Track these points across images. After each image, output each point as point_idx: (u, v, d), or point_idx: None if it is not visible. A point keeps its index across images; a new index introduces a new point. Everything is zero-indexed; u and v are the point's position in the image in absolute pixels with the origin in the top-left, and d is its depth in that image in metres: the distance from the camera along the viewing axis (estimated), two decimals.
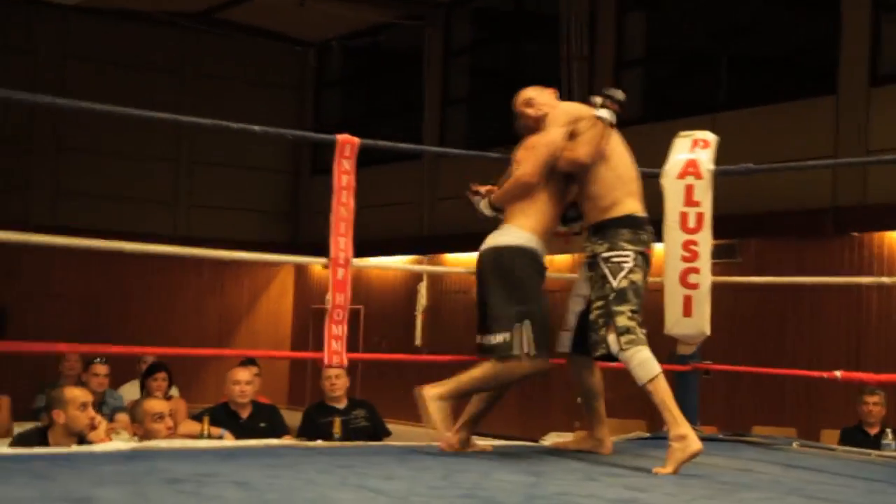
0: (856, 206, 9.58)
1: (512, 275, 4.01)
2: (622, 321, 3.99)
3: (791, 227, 10.10)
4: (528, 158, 4.08)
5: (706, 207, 5.05)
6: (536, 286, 4.10)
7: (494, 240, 4.07)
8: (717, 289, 5.17)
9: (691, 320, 5.07)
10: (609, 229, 4.08)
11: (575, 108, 4.23)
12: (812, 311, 10.00)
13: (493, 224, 4.26)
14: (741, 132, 10.01)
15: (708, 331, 5.12)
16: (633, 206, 4.14)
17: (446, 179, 13.83)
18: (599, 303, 4.05)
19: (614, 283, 4.02)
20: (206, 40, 15.33)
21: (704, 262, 5.05)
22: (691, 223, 5.01)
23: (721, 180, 5.17)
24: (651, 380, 3.93)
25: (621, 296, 4.02)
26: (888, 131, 9.26)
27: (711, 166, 5.08)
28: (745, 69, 11.24)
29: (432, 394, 4.05)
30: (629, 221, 4.09)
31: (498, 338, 4.01)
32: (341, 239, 4.42)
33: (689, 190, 5.04)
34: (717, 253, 5.52)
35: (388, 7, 14.23)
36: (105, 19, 14.46)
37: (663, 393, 3.91)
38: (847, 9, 9.89)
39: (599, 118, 4.09)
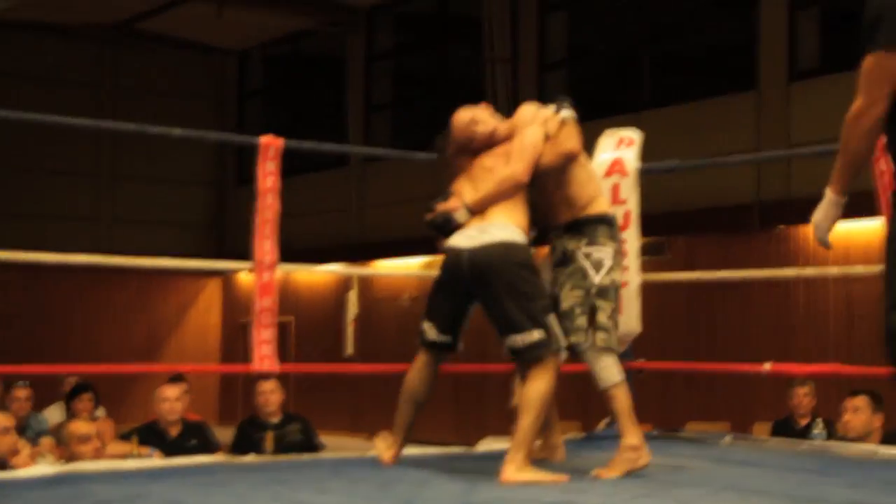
0: (780, 200, 9.71)
1: (529, 269, 3.86)
2: (602, 319, 3.91)
3: (717, 222, 10.22)
4: (516, 158, 3.94)
5: (633, 205, 5.07)
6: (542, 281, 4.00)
7: (495, 235, 3.85)
8: (646, 286, 5.20)
9: (621, 318, 5.07)
10: (587, 226, 3.99)
11: (537, 109, 4.13)
12: (741, 305, 10.12)
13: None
14: (665, 130, 10.10)
15: (639, 328, 5.14)
16: (605, 204, 4.14)
17: (374, 186, 13.79)
18: (578, 292, 3.92)
19: (596, 280, 3.92)
20: (125, 52, 15.14)
21: (633, 259, 5.07)
22: (618, 221, 5.02)
23: (647, 178, 5.19)
24: (614, 385, 3.87)
25: (604, 293, 3.93)
26: (808, 124, 9.41)
27: (637, 164, 5.10)
28: (667, 68, 11.37)
29: (515, 471, 3.67)
30: (606, 219, 4.05)
31: (535, 334, 3.77)
32: (266, 242, 4.37)
33: (615, 188, 5.06)
34: (645, 250, 5.53)
35: (309, 14, 14.16)
36: (20, 32, 14.20)
37: (624, 400, 3.86)
38: (765, 5, 10.04)
39: (566, 119, 4.04)
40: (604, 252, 3.96)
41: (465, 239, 3.88)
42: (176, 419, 5.95)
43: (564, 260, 3.99)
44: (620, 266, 4.05)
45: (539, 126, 4.00)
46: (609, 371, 3.88)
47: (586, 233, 3.98)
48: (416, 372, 4.06)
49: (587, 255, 3.95)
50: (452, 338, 3.99)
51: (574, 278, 3.94)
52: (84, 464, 4.38)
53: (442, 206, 3.98)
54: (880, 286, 2.90)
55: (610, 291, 3.95)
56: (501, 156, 4.01)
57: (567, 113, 4.06)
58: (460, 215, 3.93)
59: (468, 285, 3.86)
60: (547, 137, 4.00)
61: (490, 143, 4.05)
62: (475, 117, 4.06)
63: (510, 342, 3.80)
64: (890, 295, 2.80)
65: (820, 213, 2.98)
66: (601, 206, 4.09)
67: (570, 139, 3.99)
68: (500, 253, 3.81)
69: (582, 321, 3.89)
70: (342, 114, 14.42)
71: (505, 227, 3.86)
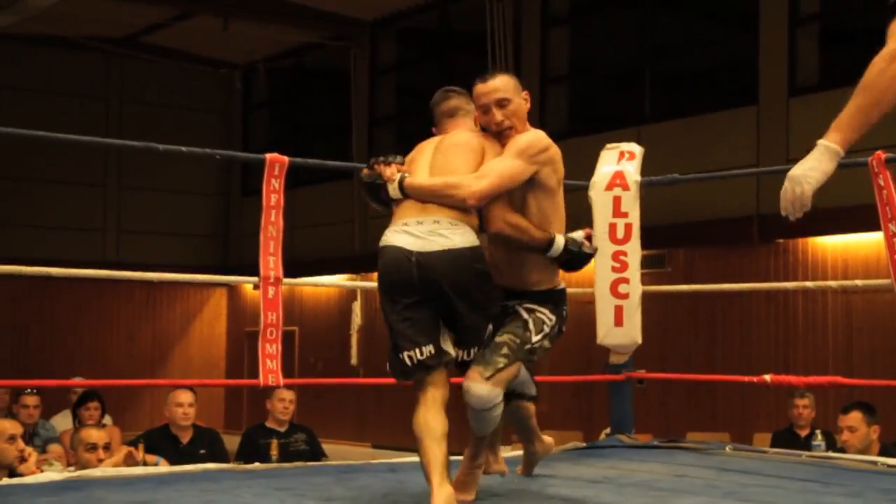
0: (779, 214, 9.73)
1: (484, 277, 3.35)
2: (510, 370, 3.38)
3: (717, 235, 10.26)
4: (481, 176, 3.34)
5: (634, 218, 5.13)
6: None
7: (446, 238, 3.28)
8: (647, 298, 5.26)
9: (623, 330, 5.15)
10: (532, 296, 3.49)
11: (548, 145, 3.49)
12: (741, 317, 10.16)
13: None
14: (666, 144, 10.16)
15: (639, 339, 5.19)
16: (558, 280, 3.57)
17: None
18: (515, 339, 3.38)
19: (533, 338, 3.41)
20: (131, 65, 15.21)
21: (634, 272, 5.13)
22: (620, 234, 5.09)
23: (647, 191, 5.25)
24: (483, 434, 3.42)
25: (531, 354, 3.42)
26: (807, 139, 9.41)
27: (638, 177, 5.16)
28: (668, 82, 11.43)
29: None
30: (553, 295, 3.52)
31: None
32: (271, 258, 4.42)
33: (616, 201, 5.12)
34: (646, 263, 5.60)
35: (313, 28, 14.24)
36: (28, 46, 14.28)
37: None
38: (765, 23, 10.11)
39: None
40: (546, 316, 3.46)
41: (409, 239, 3.31)
42: (188, 425, 6.01)
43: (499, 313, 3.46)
44: (556, 337, 3.52)
45: (529, 165, 3.40)
46: (494, 421, 3.39)
47: (527, 299, 3.48)
48: (436, 412, 3.30)
49: (530, 311, 3.45)
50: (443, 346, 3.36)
51: (514, 325, 3.41)
52: (92, 470, 4.43)
53: (381, 169, 3.46)
54: (880, 299, 2.73)
55: (533, 357, 3.45)
56: (475, 141, 3.51)
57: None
58: (392, 190, 3.41)
59: (419, 292, 3.30)
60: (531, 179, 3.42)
61: (491, 129, 3.55)
62: (506, 102, 3.53)
63: (462, 354, 3.37)
64: None
65: (809, 163, 2.52)
66: (553, 283, 3.54)
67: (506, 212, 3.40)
68: (453, 263, 3.27)
69: (500, 363, 3.32)
70: (346, 126, 14.49)
71: (455, 225, 3.31)
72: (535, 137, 3.47)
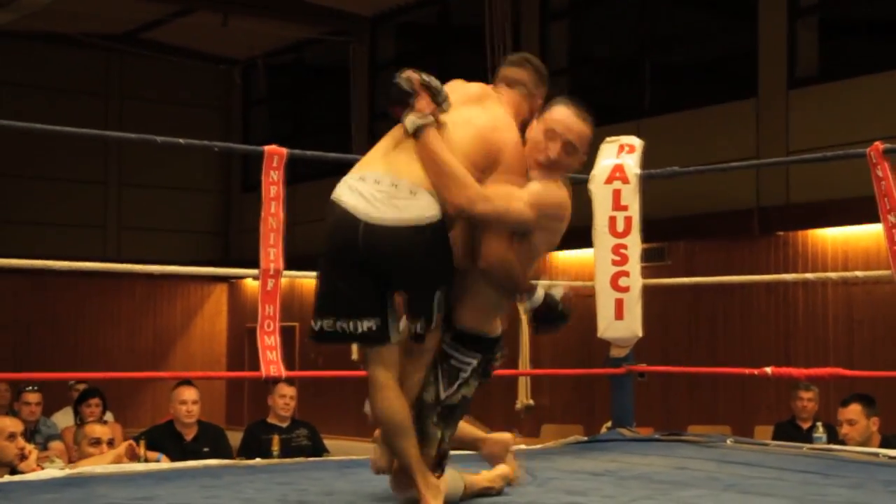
0: (780, 206, 9.78)
1: (435, 255, 3.03)
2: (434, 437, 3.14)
3: (718, 228, 10.27)
4: (491, 201, 3.00)
5: (634, 211, 5.14)
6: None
7: (401, 210, 2.96)
8: (647, 291, 5.26)
9: (623, 323, 5.16)
10: (452, 334, 3.16)
11: (562, 225, 3.21)
12: (742, 310, 10.17)
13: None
14: (666, 136, 10.16)
15: (640, 333, 5.20)
16: (492, 328, 3.22)
17: None
18: (428, 392, 3.14)
19: (442, 394, 3.12)
20: (130, 62, 15.22)
21: (634, 265, 5.14)
22: (620, 227, 5.10)
23: (648, 184, 5.26)
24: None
25: (445, 416, 3.14)
26: (807, 132, 9.47)
27: (638, 170, 5.17)
28: (667, 75, 11.42)
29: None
30: (478, 343, 3.17)
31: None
32: (271, 250, 4.43)
33: (616, 194, 5.13)
34: (646, 256, 5.60)
35: (313, 23, 14.24)
36: (28, 43, 14.28)
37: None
38: (764, 14, 10.11)
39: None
40: (467, 358, 3.15)
41: (360, 201, 2.99)
42: (193, 422, 6.01)
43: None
44: (481, 380, 3.22)
45: (535, 214, 3.07)
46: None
47: (453, 335, 3.16)
48: (394, 398, 3.08)
49: (445, 358, 3.14)
50: (382, 320, 3.06)
51: (431, 375, 3.16)
52: (92, 467, 4.44)
53: (421, 96, 3.11)
54: (880, 290, 2.78)
55: (454, 415, 3.17)
56: (506, 135, 3.17)
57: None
58: (409, 122, 3.05)
59: (364, 259, 3.00)
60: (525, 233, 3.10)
61: (537, 156, 3.17)
62: (574, 133, 3.15)
63: (414, 329, 3.09)
64: None
65: None
66: (493, 329, 3.21)
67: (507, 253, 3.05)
68: (403, 240, 2.96)
69: (436, 435, 3.14)
70: (346, 122, 14.49)
71: (415, 193, 2.97)
72: (559, 202, 3.15)
